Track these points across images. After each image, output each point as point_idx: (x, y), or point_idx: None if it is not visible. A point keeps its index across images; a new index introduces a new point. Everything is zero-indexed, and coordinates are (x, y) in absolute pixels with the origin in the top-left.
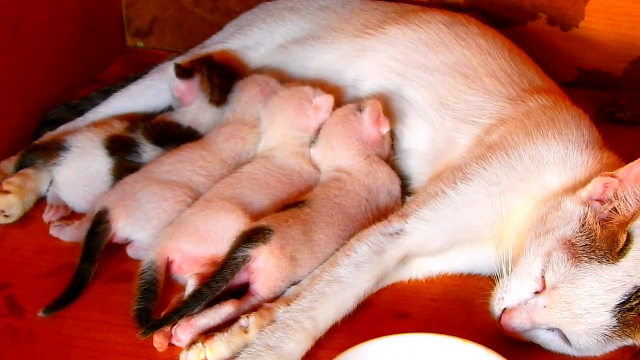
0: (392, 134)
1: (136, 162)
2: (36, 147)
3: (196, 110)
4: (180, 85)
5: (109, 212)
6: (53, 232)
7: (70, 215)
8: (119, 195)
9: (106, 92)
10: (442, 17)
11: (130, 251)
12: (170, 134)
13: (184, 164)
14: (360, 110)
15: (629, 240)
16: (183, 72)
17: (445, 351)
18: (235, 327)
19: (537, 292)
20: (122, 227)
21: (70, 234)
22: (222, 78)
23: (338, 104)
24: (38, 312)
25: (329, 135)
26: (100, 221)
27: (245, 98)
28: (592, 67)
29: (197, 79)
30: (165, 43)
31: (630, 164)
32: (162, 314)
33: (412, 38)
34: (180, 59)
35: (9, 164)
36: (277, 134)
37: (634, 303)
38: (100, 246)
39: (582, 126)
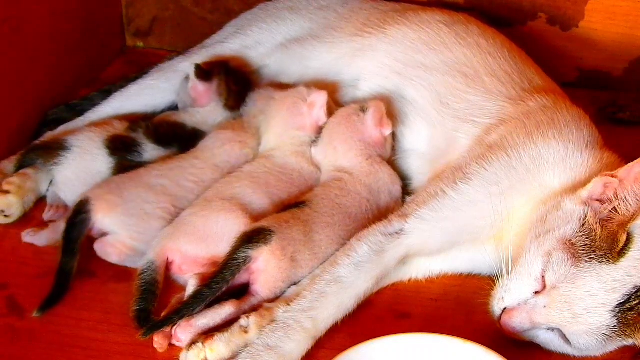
0: (393, 134)
1: (137, 162)
2: (36, 147)
3: (209, 112)
4: (200, 86)
5: (90, 202)
6: (27, 239)
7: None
8: (104, 189)
9: (106, 92)
10: (442, 16)
11: (98, 246)
12: (174, 134)
13: (174, 171)
14: (363, 111)
15: (629, 240)
16: (203, 74)
17: (445, 351)
18: (235, 327)
19: (537, 292)
20: (101, 220)
21: (46, 236)
22: (238, 86)
23: (338, 104)
24: (32, 313)
25: (331, 135)
26: (80, 211)
27: (253, 108)
28: (592, 67)
29: (215, 82)
30: (165, 43)
31: (631, 164)
32: (162, 314)
33: (412, 37)
34: (180, 59)
35: (9, 164)
36: (273, 135)
37: (634, 303)
38: (79, 238)
39: (582, 126)
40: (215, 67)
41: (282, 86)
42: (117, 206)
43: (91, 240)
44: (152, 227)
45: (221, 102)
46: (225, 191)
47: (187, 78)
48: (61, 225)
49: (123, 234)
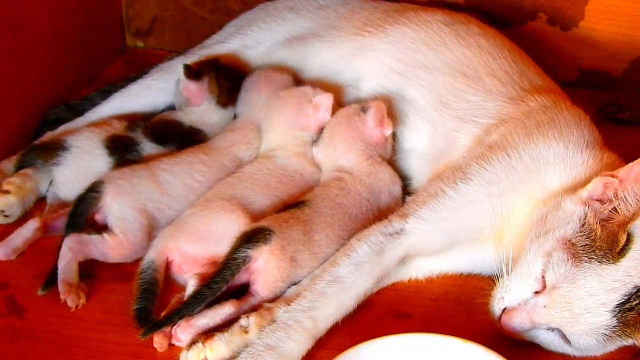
0: (393, 134)
1: (139, 161)
2: (36, 147)
3: (203, 111)
4: (191, 85)
5: (104, 184)
6: None
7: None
8: (118, 173)
9: (106, 92)
10: (442, 16)
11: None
12: (171, 132)
13: (181, 166)
14: (364, 111)
15: (629, 240)
16: (192, 73)
17: (445, 351)
18: (235, 327)
19: (537, 292)
20: (109, 203)
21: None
22: (229, 81)
23: (338, 103)
24: (37, 291)
25: (332, 135)
26: (92, 189)
27: (250, 96)
28: (592, 67)
29: (205, 80)
30: (165, 43)
31: (631, 164)
32: (162, 314)
33: (413, 37)
34: (180, 59)
35: (9, 164)
36: (276, 134)
37: (634, 303)
38: (85, 213)
39: (582, 126)
40: (205, 66)
41: (277, 69)
42: (126, 193)
43: None
44: (142, 225)
45: (213, 100)
46: (225, 191)
47: (180, 80)
48: (20, 234)
49: (118, 225)
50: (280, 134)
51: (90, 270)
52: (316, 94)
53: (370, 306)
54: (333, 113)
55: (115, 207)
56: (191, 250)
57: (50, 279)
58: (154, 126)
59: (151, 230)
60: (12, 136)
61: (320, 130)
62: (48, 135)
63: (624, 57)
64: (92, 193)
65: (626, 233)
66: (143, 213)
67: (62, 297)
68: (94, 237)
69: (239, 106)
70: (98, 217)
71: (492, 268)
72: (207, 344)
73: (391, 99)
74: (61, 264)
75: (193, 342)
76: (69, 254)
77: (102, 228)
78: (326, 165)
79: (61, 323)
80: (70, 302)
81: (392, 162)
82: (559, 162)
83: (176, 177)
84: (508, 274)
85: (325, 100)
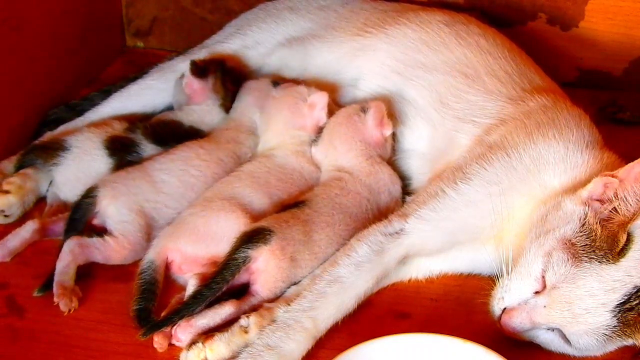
0: (393, 134)
1: (136, 163)
2: (36, 147)
3: (205, 111)
4: (195, 83)
5: (98, 188)
6: None
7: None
8: (112, 177)
9: (106, 92)
10: (442, 16)
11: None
12: (171, 133)
13: (176, 163)
14: (364, 111)
15: (629, 240)
16: (198, 71)
17: (445, 351)
18: (235, 327)
19: (537, 292)
20: (105, 206)
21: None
22: (236, 85)
23: (338, 103)
24: (33, 293)
25: (332, 135)
26: (88, 195)
27: (245, 101)
28: (592, 67)
29: (211, 80)
30: (165, 43)
31: (631, 164)
32: (162, 314)
33: (413, 37)
34: (180, 59)
35: (9, 164)
36: (273, 134)
37: (634, 303)
38: (83, 219)
39: (582, 126)
40: (211, 65)
41: (280, 79)
42: (122, 195)
43: None
44: (141, 226)
45: (218, 101)
46: (225, 191)
47: (181, 77)
48: (18, 235)
49: (117, 228)
50: (278, 134)
51: (90, 270)
52: (311, 93)
53: (370, 306)
54: (332, 113)
55: (112, 210)
56: (191, 250)
57: (49, 281)
58: (153, 127)
59: (150, 230)
60: (12, 136)
61: (318, 129)
62: (48, 135)
63: (624, 57)
64: (87, 199)
65: (626, 233)
66: (140, 214)
67: (55, 299)
68: (96, 240)
69: (234, 107)
70: (96, 221)
71: (492, 268)
72: (207, 344)
73: (391, 99)
74: (59, 265)
75: (193, 342)
76: (69, 256)
77: (101, 231)
78: (326, 165)
79: (61, 323)
80: (63, 306)
81: (392, 162)
82: (559, 162)
83: (171, 174)
84: (508, 274)
85: (320, 99)
